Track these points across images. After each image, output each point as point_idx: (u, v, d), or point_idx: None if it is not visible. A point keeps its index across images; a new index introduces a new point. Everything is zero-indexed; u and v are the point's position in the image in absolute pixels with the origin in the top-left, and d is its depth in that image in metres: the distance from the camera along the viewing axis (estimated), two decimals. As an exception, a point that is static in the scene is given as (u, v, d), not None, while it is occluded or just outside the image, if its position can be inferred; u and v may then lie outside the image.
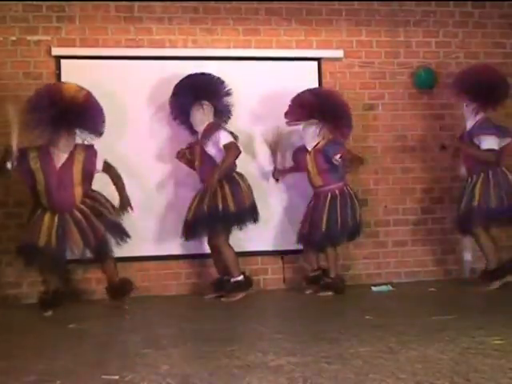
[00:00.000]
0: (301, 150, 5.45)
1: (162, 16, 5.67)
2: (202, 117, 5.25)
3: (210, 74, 5.38)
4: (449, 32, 6.15)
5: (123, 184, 4.93)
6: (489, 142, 5.22)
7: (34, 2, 5.46)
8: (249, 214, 5.22)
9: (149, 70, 5.56)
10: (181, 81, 5.34)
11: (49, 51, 5.45)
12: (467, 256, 6.00)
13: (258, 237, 5.57)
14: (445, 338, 3.43)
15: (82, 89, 4.81)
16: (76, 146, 4.83)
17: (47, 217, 4.72)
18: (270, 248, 5.71)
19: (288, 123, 5.42)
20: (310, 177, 5.41)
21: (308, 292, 5.38)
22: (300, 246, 5.48)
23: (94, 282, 5.45)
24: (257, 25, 5.82)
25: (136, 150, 5.46)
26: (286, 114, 5.39)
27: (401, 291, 5.46)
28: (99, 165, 4.86)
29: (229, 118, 5.44)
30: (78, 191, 4.78)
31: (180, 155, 5.33)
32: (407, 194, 5.98)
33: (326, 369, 2.91)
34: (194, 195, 5.26)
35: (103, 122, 4.87)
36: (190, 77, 5.34)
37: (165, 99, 5.51)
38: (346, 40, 5.97)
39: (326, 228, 5.22)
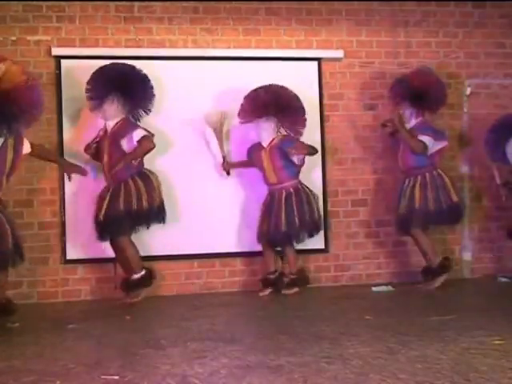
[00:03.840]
0: (256, 147, 5.42)
1: (162, 16, 5.67)
2: (114, 112, 5.09)
3: (131, 66, 5.16)
4: (449, 32, 6.15)
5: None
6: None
7: (34, 2, 5.46)
8: (158, 213, 5.12)
9: (149, 69, 5.55)
10: (100, 69, 5.14)
11: (49, 51, 5.45)
12: (467, 256, 6.00)
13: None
14: (445, 338, 3.43)
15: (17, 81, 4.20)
16: None
17: None
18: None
19: (242, 122, 5.40)
20: (265, 174, 5.38)
21: (262, 294, 5.32)
22: (260, 246, 5.44)
23: (94, 281, 5.46)
24: (257, 25, 5.82)
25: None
26: (240, 113, 5.35)
27: (401, 291, 5.46)
28: (26, 149, 4.44)
29: (142, 115, 5.28)
30: (3, 182, 4.35)
31: (88, 149, 5.17)
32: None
33: (325, 369, 2.91)
34: (101, 193, 5.08)
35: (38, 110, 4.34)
36: (108, 67, 5.15)
37: (165, 99, 5.51)
38: (345, 40, 5.97)
39: (286, 227, 5.22)
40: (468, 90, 6.12)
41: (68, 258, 5.42)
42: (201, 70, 5.64)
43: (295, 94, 5.39)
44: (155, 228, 5.26)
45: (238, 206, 5.67)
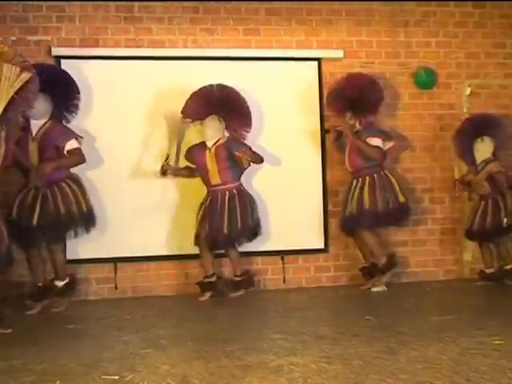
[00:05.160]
0: (198, 147, 5.28)
1: (162, 16, 5.66)
2: (41, 112, 4.81)
3: (55, 67, 5.10)
4: (449, 32, 6.15)
5: None
6: (374, 143, 5.38)
7: (34, 2, 5.46)
8: (91, 217, 4.96)
9: (149, 69, 5.56)
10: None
11: (49, 51, 5.44)
12: (467, 256, 5.99)
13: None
14: (445, 338, 3.43)
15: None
16: None
17: None
18: (270, 248, 5.70)
19: (186, 120, 5.30)
20: (207, 175, 5.22)
21: (203, 299, 5.16)
22: (197, 249, 5.27)
23: (94, 281, 5.46)
24: (257, 25, 5.81)
25: (136, 149, 5.47)
26: (186, 110, 5.25)
27: (401, 291, 5.46)
28: None
29: (72, 115, 5.16)
30: None
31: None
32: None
33: (325, 369, 2.91)
34: (21, 197, 4.75)
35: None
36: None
37: (165, 99, 5.51)
38: (346, 40, 5.96)
39: (228, 229, 5.10)
40: (468, 90, 6.12)
41: (68, 258, 5.41)
42: (201, 69, 5.63)
43: (241, 96, 5.31)
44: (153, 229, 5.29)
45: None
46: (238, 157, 5.20)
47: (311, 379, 2.75)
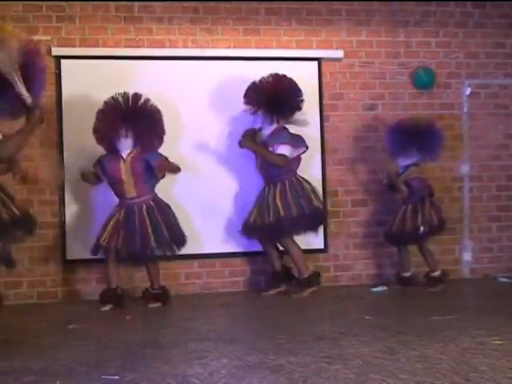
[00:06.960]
0: (110, 158, 4.99)
1: (162, 16, 5.67)
2: None
3: None
4: (449, 32, 6.15)
5: None
6: (282, 151, 5.24)
7: (34, 2, 5.46)
8: (30, 221, 4.39)
9: (149, 70, 5.56)
10: None
11: (49, 51, 5.44)
12: (467, 256, 6.00)
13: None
14: (445, 338, 3.43)
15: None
16: None
17: None
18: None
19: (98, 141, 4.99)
20: (121, 187, 4.97)
21: (103, 309, 4.87)
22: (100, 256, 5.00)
23: (94, 281, 5.46)
24: (257, 25, 5.82)
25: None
26: (97, 128, 4.94)
27: (400, 291, 5.47)
28: None
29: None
30: None
31: None
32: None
33: (326, 369, 2.91)
34: None
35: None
36: None
37: (164, 99, 5.51)
38: (346, 40, 5.97)
39: (155, 240, 4.89)
40: (468, 90, 6.13)
41: (68, 258, 5.42)
42: (201, 69, 5.63)
43: (155, 106, 5.04)
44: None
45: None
46: (156, 168, 4.98)
47: (311, 379, 2.75)
